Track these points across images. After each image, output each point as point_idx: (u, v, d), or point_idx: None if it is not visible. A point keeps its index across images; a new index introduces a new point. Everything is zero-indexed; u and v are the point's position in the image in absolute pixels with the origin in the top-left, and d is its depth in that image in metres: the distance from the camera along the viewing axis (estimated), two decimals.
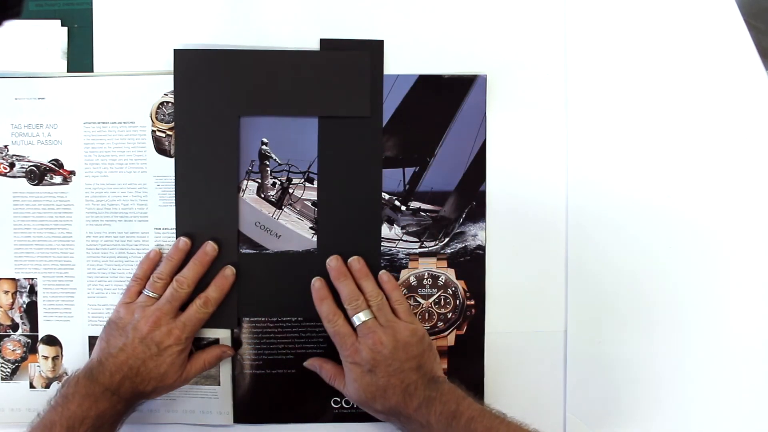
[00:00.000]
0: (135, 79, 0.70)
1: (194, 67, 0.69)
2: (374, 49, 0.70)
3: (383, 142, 0.70)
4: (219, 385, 0.71)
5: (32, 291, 0.71)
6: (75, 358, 0.69)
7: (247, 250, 0.71)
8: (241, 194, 0.70)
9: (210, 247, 0.69)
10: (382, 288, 0.68)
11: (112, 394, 0.62)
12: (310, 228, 0.71)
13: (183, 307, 0.67)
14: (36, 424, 0.61)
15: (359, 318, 0.66)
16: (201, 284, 0.68)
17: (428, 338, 0.67)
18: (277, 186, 0.71)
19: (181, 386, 0.68)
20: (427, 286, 0.72)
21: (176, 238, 0.69)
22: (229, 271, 0.69)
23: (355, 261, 0.69)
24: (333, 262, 0.69)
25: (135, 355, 0.64)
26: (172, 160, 0.70)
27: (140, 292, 0.68)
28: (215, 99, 0.69)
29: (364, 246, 0.71)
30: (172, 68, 0.69)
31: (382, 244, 0.71)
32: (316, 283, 0.69)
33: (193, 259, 0.68)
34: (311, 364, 0.70)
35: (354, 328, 0.66)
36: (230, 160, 0.69)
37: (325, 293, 0.68)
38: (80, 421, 0.60)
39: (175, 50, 0.69)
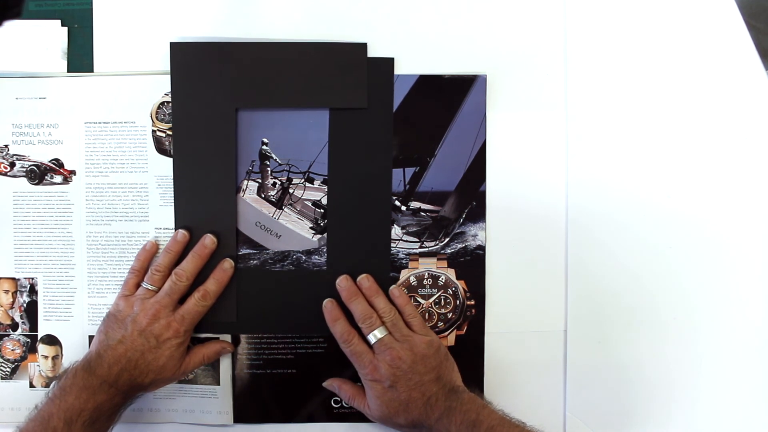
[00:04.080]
0: (135, 78, 0.70)
1: (191, 61, 0.69)
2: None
3: (392, 142, 0.70)
4: (219, 384, 0.71)
5: (32, 290, 0.71)
6: (75, 357, 0.68)
7: (247, 250, 0.71)
8: (241, 194, 0.71)
9: (209, 240, 0.69)
10: (394, 303, 0.69)
11: (110, 386, 0.62)
12: (311, 228, 0.71)
13: (182, 300, 0.67)
14: (33, 416, 0.61)
15: (375, 335, 0.66)
16: (200, 277, 0.68)
17: (444, 348, 0.67)
18: (277, 186, 0.71)
19: (179, 379, 0.69)
20: (427, 286, 0.72)
21: (175, 230, 0.70)
22: (227, 264, 0.69)
23: (365, 279, 0.69)
24: (343, 283, 0.69)
25: (134, 347, 0.64)
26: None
27: (138, 285, 0.68)
28: (212, 92, 0.69)
29: (374, 254, 0.71)
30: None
31: None
32: (328, 304, 0.69)
33: (192, 252, 0.68)
34: (330, 384, 0.70)
35: (370, 346, 0.66)
36: (228, 154, 0.69)
37: (338, 314, 0.68)
38: (78, 413, 0.60)
39: (171, 43, 0.69)
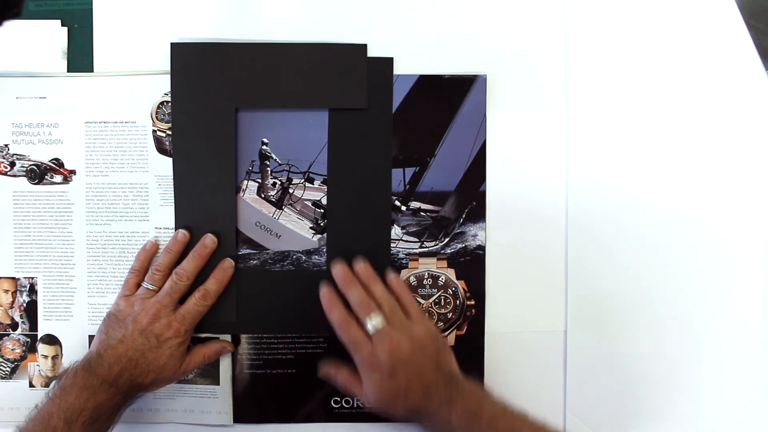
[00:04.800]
0: (135, 78, 0.70)
1: (191, 61, 0.69)
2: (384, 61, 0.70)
3: (392, 140, 0.70)
4: (218, 384, 0.71)
5: (32, 290, 0.71)
6: (75, 357, 0.68)
7: (247, 250, 0.71)
8: (241, 194, 0.71)
9: (209, 240, 0.69)
10: (391, 290, 0.68)
11: (110, 386, 0.62)
12: (311, 228, 0.71)
13: (182, 300, 0.67)
14: (34, 415, 0.61)
15: (372, 324, 0.65)
16: (200, 277, 0.68)
17: (441, 337, 0.67)
18: (277, 186, 0.71)
19: (180, 378, 0.69)
20: (427, 286, 0.72)
21: (175, 230, 0.70)
22: (227, 264, 0.69)
23: (361, 265, 0.69)
24: (338, 269, 0.68)
25: (134, 347, 0.64)
26: None
27: (139, 285, 0.68)
28: (212, 92, 0.69)
29: (374, 254, 0.70)
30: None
31: None
32: (325, 291, 0.68)
33: (192, 251, 0.68)
34: (326, 371, 0.69)
35: (367, 334, 0.66)
36: (228, 154, 0.69)
37: (335, 300, 0.67)
38: (78, 413, 0.60)
39: (171, 44, 0.69)
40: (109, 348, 0.64)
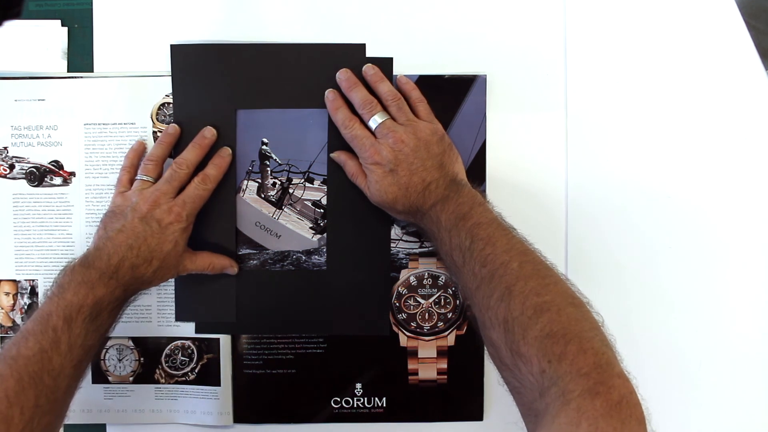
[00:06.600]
0: (135, 79, 0.70)
1: (191, 62, 0.69)
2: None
3: None
4: (219, 385, 0.71)
5: (33, 292, 0.71)
6: None
7: (247, 250, 0.71)
8: (241, 194, 0.71)
9: (209, 132, 0.68)
10: (400, 90, 0.67)
11: (110, 278, 0.60)
12: (311, 228, 0.71)
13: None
14: (33, 315, 0.58)
15: (375, 120, 0.65)
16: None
17: (448, 139, 0.66)
18: (277, 186, 0.71)
19: (182, 273, 0.66)
20: (427, 286, 0.72)
21: None
22: (225, 152, 0.68)
23: (369, 68, 0.68)
24: (343, 75, 0.67)
25: (135, 234, 0.62)
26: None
27: (132, 180, 0.67)
28: (212, 93, 0.69)
29: (374, 254, 0.71)
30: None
31: None
32: (330, 95, 0.67)
33: (192, 142, 0.67)
34: (337, 156, 0.69)
35: (372, 133, 0.65)
36: None
37: (340, 102, 0.67)
38: (77, 309, 0.58)
39: (171, 45, 0.69)
40: (107, 240, 0.61)
